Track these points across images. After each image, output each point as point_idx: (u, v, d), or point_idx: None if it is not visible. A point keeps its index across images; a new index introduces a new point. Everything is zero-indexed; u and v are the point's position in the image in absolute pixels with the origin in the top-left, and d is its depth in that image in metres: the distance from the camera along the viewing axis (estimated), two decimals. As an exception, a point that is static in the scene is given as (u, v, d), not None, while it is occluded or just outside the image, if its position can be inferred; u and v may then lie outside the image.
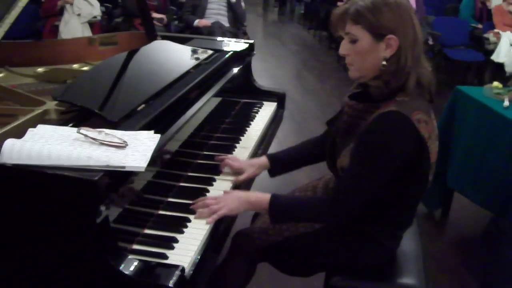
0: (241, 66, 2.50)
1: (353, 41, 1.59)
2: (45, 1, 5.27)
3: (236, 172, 1.96)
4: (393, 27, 1.53)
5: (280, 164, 2.02)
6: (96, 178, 1.19)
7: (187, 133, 2.03)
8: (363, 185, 1.59)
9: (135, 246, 1.45)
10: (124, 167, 1.23)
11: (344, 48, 1.63)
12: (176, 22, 6.15)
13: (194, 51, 2.40)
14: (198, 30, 5.54)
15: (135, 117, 1.61)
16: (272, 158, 2.02)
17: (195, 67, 2.19)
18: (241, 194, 1.75)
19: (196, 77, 2.04)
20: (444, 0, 8.49)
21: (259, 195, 1.72)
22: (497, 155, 2.81)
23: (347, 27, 1.60)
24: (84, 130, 1.37)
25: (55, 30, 5.08)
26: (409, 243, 1.96)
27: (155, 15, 5.59)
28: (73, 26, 4.99)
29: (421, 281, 1.80)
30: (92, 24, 5.22)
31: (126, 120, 1.57)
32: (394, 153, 1.55)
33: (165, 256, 1.40)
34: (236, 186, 1.92)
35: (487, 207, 2.95)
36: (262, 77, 6.04)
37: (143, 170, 1.25)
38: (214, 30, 5.45)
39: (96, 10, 5.20)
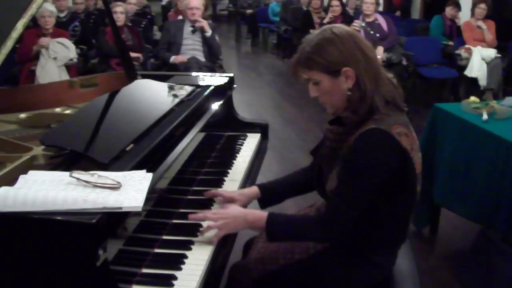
0: (223, 100, 2.52)
1: (316, 83, 1.66)
2: (20, 46, 5.24)
3: (227, 201, 1.97)
4: (343, 60, 1.60)
5: (270, 194, 2.02)
6: (94, 220, 1.19)
7: (175, 170, 2.03)
8: (352, 202, 1.62)
9: (135, 287, 1.44)
10: (121, 208, 1.24)
11: (312, 91, 1.70)
12: (152, 60, 6.18)
13: (175, 88, 2.42)
14: (175, 67, 5.57)
15: (125, 157, 1.62)
16: (262, 188, 2.02)
17: (178, 104, 2.21)
18: (239, 213, 1.77)
19: (180, 114, 2.06)
20: (414, 21, 8.72)
21: (257, 214, 1.75)
22: (480, 167, 2.86)
23: (305, 73, 1.67)
24: (76, 174, 1.38)
25: (32, 75, 5.07)
26: (403, 261, 1.97)
27: (131, 54, 5.61)
28: (50, 70, 4.98)
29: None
30: (68, 67, 5.22)
31: (117, 161, 1.58)
32: (379, 168, 1.59)
33: (166, 294, 1.40)
34: None
35: (475, 219, 3.00)
36: (241, 109, 6.04)
37: (140, 209, 1.26)
38: (191, 65, 5.48)
39: (72, 53, 5.20)
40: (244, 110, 6.11)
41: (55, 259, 1.22)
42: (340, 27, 1.67)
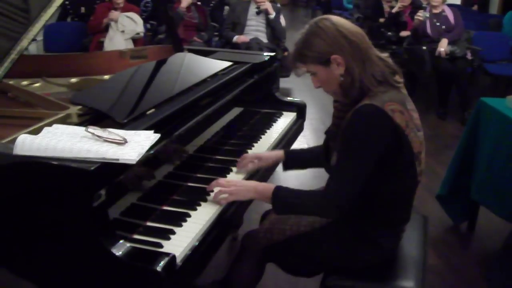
0: (258, 78, 2.61)
1: (314, 74, 1.78)
2: (92, 18, 5.57)
3: (253, 160, 2.13)
4: (329, 49, 1.70)
5: (293, 160, 2.18)
6: (92, 168, 1.33)
7: (204, 139, 2.16)
8: (350, 177, 1.69)
9: (136, 236, 1.57)
10: (118, 159, 1.37)
11: (314, 83, 1.82)
12: (216, 39, 6.34)
13: (213, 63, 2.53)
14: (237, 46, 5.70)
15: (143, 119, 1.75)
16: (287, 153, 2.19)
17: (211, 77, 2.32)
18: (250, 182, 1.91)
19: (207, 86, 2.17)
20: (489, 16, 8.38)
21: (266, 185, 1.86)
22: (518, 166, 2.80)
23: (302, 67, 1.79)
24: (91, 129, 1.52)
25: (101, 46, 5.35)
26: (411, 247, 2.00)
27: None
28: (117, 42, 5.24)
29: (417, 285, 1.82)
30: (135, 40, 5.45)
31: (134, 122, 1.72)
32: (373, 142, 1.66)
33: (160, 245, 1.52)
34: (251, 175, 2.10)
35: (509, 219, 2.94)
36: (302, 93, 6.12)
37: (134, 162, 1.38)
38: (252, 46, 5.60)
39: (139, 27, 5.43)
40: (305, 93, 6.17)
41: (59, 198, 1.38)
42: (327, 19, 1.75)
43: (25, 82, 2.58)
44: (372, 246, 1.84)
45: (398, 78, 1.78)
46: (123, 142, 1.46)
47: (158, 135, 1.56)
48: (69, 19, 6.22)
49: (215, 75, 2.37)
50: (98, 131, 1.51)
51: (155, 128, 1.66)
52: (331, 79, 1.75)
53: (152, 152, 1.55)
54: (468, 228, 3.42)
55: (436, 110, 5.70)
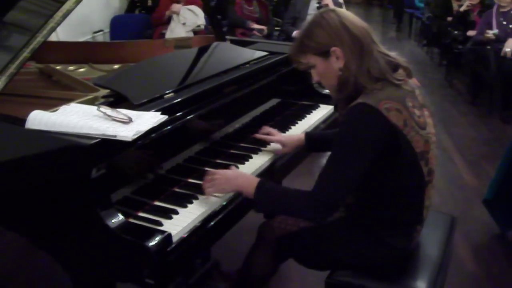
0: (289, 69, 2.60)
1: (313, 67, 1.74)
2: (156, 10, 5.74)
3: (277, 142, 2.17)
4: (330, 41, 1.66)
5: (315, 143, 2.18)
6: (90, 143, 1.40)
7: (232, 127, 2.19)
8: (338, 177, 1.63)
9: (140, 213, 1.63)
10: (115, 136, 1.44)
11: (313, 75, 1.79)
12: (276, 33, 6.36)
13: (247, 52, 2.55)
14: (296, 41, 5.70)
15: (158, 102, 1.80)
16: (308, 136, 2.20)
17: (241, 65, 2.34)
18: (233, 175, 1.81)
19: (233, 74, 2.20)
20: None
21: (249, 179, 1.79)
22: None
23: (302, 59, 1.76)
24: (103, 108, 1.59)
25: (162, 37, 5.48)
26: (430, 247, 1.95)
27: (255, 26, 5.86)
28: (178, 34, 5.35)
29: (430, 286, 1.77)
30: (196, 33, 5.56)
31: (149, 103, 1.77)
32: (365, 142, 1.60)
33: (160, 223, 1.56)
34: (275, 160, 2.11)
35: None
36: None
37: (129, 140, 1.44)
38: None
39: (200, 20, 5.52)
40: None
41: (61, 169, 1.48)
42: (334, 11, 1.71)
43: (71, 67, 2.72)
44: (380, 245, 1.80)
45: (400, 74, 1.71)
46: (127, 121, 1.52)
47: (164, 117, 1.61)
48: (137, 12, 6.44)
49: (246, 64, 2.39)
50: (108, 110, 1.58)
51: (167, 111, 1.71)
52: (330, 72, 1.72)
53: (160, 132, 1.60)
54: (515, 237, 3.27)
55: (500, 113, 5.46)
